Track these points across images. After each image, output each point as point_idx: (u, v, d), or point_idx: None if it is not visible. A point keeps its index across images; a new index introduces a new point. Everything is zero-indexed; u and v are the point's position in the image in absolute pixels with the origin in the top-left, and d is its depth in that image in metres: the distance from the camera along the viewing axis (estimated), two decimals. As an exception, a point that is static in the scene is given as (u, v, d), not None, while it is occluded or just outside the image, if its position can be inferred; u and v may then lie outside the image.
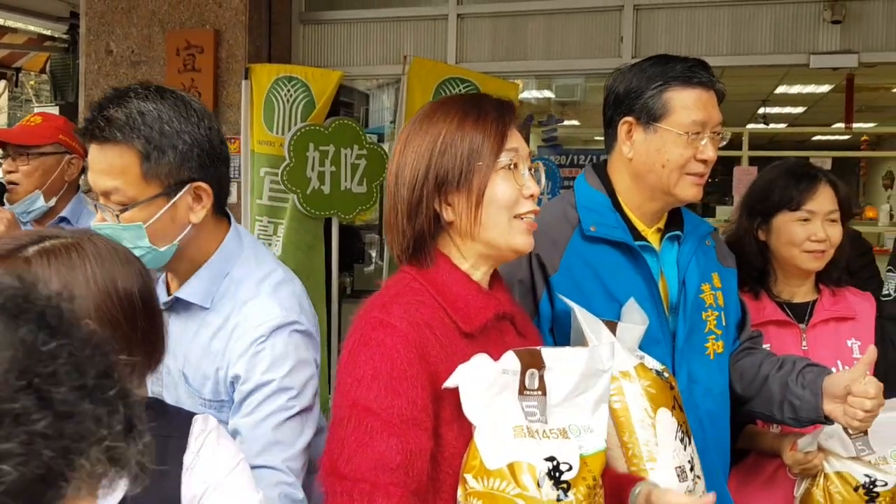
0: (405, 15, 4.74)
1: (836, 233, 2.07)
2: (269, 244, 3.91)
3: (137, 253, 1.33)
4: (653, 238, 1.79)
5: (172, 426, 1.20)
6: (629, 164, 1.76)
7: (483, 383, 1.20)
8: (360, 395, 1.23)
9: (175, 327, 1.52)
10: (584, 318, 1.59)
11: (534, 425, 1.20)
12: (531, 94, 6.87)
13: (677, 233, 1.81)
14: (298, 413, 1.47)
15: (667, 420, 1.53)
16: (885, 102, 10.15)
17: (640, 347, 1.65)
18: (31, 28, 7.46)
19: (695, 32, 4.33)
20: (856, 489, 1.81)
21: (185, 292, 1.53)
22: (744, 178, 8.73)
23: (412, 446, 1.20)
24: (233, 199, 4.34)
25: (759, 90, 9.51)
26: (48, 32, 7.30)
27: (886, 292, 2.15)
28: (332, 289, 4.11)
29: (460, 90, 4.13)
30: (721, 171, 9.70)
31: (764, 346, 2.07)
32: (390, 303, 1.31)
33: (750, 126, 11.25)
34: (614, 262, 1.73)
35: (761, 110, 10.96)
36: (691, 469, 1.56)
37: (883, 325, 2.13)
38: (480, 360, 1.21)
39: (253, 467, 1.30)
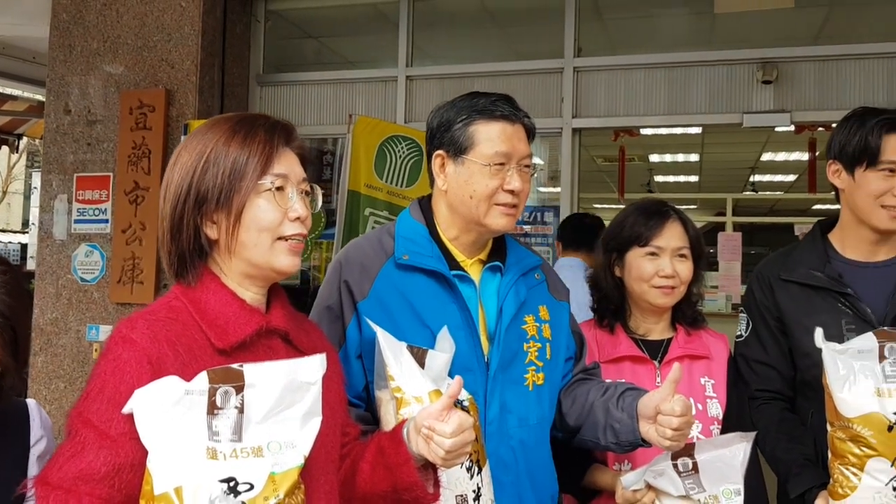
0: (358, 77, 4.91)
1: (684, 269, 2.08)
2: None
3: None
4: (473, 269, 1.82)
5: None
6: (445, 196, 1.80)
7: (162, 406, 1.17)
8: (86, 407, 1.24)
9: None
10: (387, 343, 1.60)
11: (220, 445, 1.18)
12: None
13: (497, 263, 1.83)
14: None
15: None
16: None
17: (451, 375, 1.67)
18: (35, 96, 7.77)
19: (632, 93, 4.44)
20: None
21: None
22: (727, 243, 8.74)
23: (122, 460, 1.21)
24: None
25: (744, 157, 9.57)
26: (48, 99, 7.58)
27: (738, 333, 2.15)
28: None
29: (403, 148, 4.23)
30: (707, 239, 9.72)
31: (619, 380, 2.07)
32: (138, 318, 1.31)
33: (735, 194, 11.35)
34: (427, 291, 1.75)
35: (752, 178, 11.00)
36: (476, 499, 1.56)
37: (736, 364, 2.14)
38: (162, 384, 1.19)
39: None
